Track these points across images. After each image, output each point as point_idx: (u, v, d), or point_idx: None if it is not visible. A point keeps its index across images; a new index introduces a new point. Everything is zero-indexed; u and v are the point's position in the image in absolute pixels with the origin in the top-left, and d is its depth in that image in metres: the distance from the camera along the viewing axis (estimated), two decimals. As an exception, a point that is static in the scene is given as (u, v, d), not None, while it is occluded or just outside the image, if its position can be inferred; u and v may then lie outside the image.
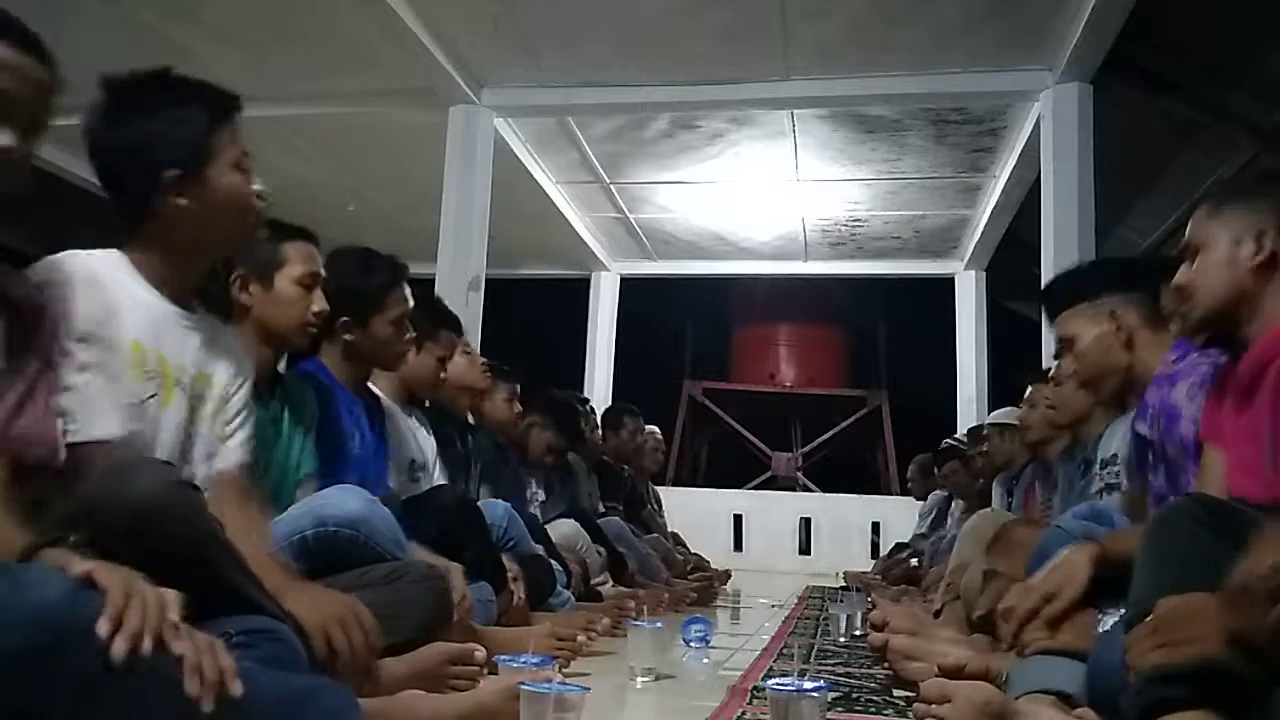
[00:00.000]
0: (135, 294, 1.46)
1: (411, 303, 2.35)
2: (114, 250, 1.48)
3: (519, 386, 3.50)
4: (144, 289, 1.48)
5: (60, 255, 1.40)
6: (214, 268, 1.64)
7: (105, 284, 1.42)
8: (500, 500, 2.84)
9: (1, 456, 1.18)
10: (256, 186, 1.55)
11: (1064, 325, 2.02)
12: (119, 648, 0.88)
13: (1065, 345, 2.02)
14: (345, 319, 2.19)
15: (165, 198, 1.47)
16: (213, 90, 1.55)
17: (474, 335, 3.64)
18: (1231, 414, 1.52)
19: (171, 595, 0.97)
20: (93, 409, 1.34)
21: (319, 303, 1.91)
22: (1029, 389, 3.32)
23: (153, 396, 1.45)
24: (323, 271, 1.95)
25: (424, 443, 2.70)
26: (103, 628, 0.88)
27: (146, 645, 0.90)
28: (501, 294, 4.91)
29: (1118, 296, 1.95)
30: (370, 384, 2.44)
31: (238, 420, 1.60)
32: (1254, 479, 1.40)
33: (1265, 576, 1.06)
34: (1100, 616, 1.58)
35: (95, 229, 1.51)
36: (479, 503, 2.68)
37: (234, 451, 1.59)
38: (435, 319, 2.70)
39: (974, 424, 5.84)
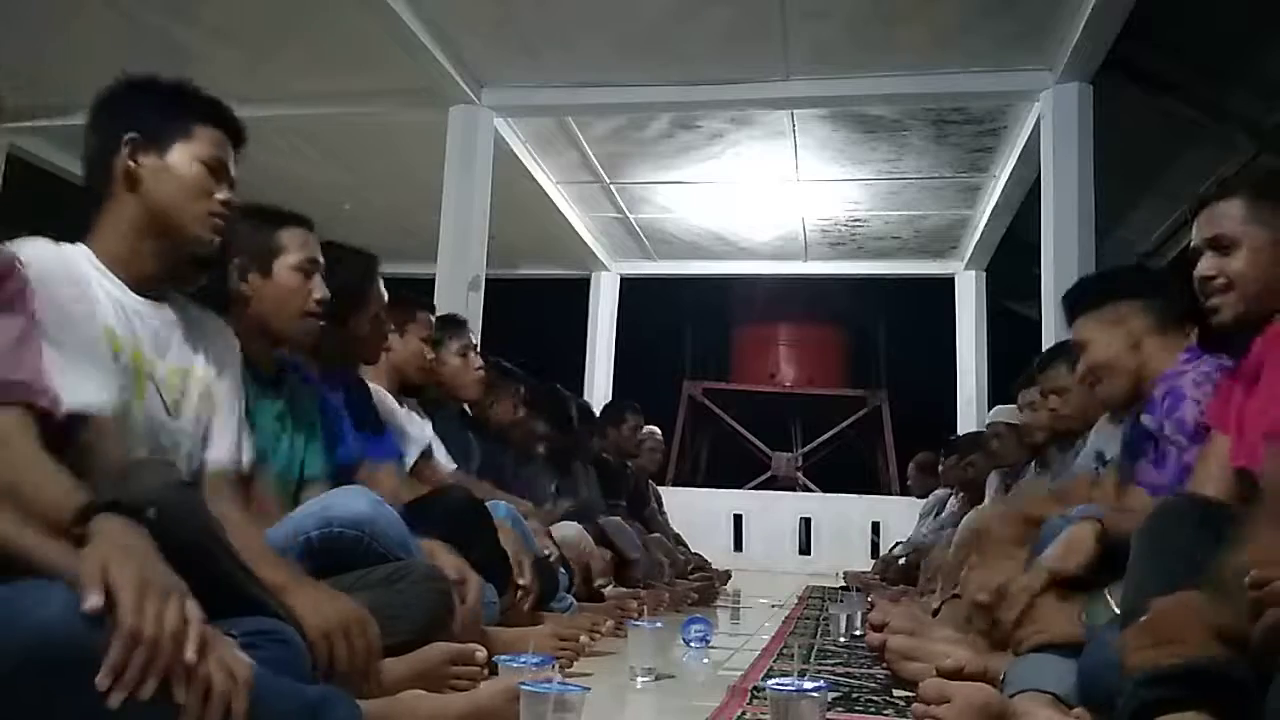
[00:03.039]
0: (104, 286, 1.45)
1: (386, 297, 2.34)
2: (79, 244, 1.48)
3: (522, 389, 3.51)
4: (111, 282, 1.47)
5: (27, 239, 1.38)
6: (208, 260, 1.59)
7: (78, 272, 1.42)
8: (501, 501, 2.84)
9: (17, 402, 1.15)
10: (222, 195, 1.55)
11: (1078, 331, 2.07)
12: (115, 699, 0.87)
13: (1079, 350, 2.08)
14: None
15: (120, 160, 1.48)
16: (216, 103, 1.58)
17: (474, 335, 3.66)
18: (1242, 398, 1.56)
19: (194, 619, 0.95)
20: (81, 376, 1.32)
21: (320, 289, 1.88)
22: (1020, 394, 3.34)
23: (127, 389, 1.43)
24: (321, 259, 1.91)
25: (418, 429, 2.70)
26: (102, 681, 0.87)
27: (148, 690, 0.89)
28: (501, 294, 4.91)
29: (1127, 302, 2.00)
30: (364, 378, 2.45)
31: (226, 411, 1.60)
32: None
33: (1243, 573, 1.06)
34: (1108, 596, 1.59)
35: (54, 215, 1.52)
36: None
37: (224, 444, 1.59)
38: (409, 301, 2.68)
39: (974, 424, 5.87)
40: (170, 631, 0.91)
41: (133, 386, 1.44)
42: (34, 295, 1.28)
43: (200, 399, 1.56)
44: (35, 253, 1.36)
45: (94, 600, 0.89)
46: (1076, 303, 2.12)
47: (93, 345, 1.38)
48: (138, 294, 1.49)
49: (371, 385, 2.48)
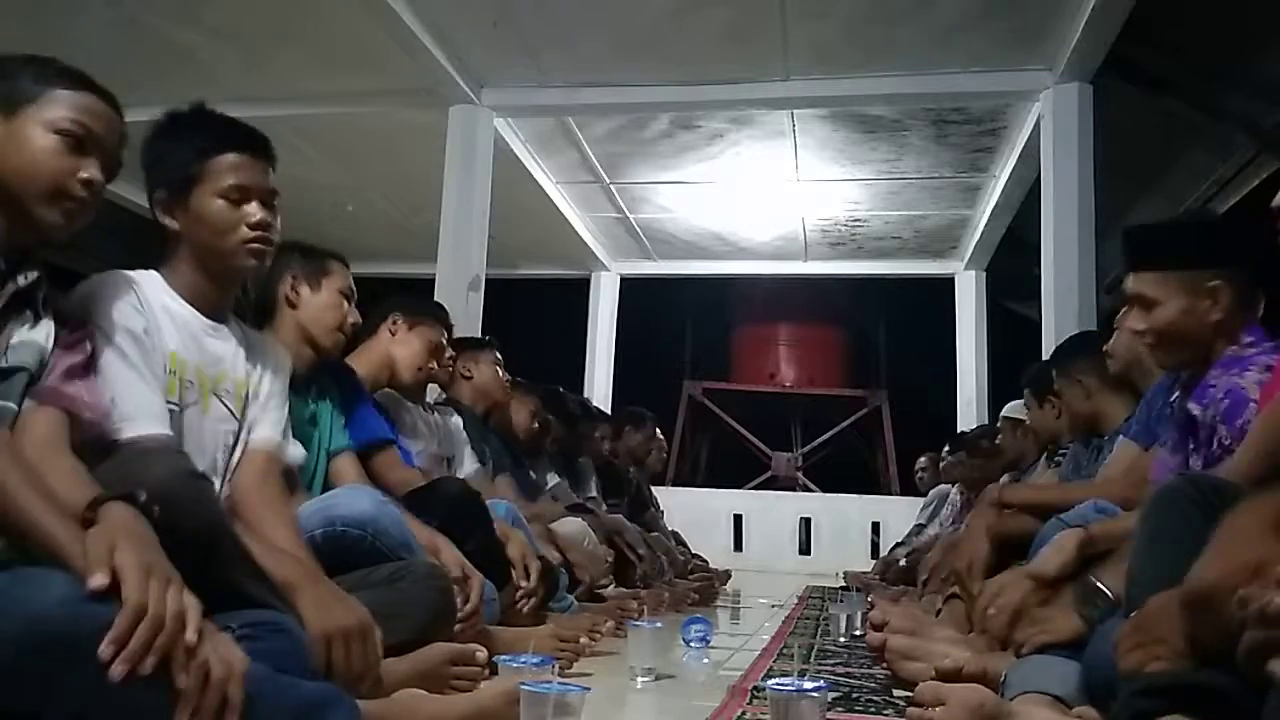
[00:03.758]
0: (171, 308, 1.57)
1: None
2: (152, 270, 1.60)
3: (540, 397, 3.66)
4: (179, 304, 1.59)
5: (104, 273, 1.51)
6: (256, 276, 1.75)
7: (147, 298, 1.52)
8: (504, 501, 2.84)
9: (55, 407, 1.24)
10: (253, 217, 1.61)
11: (1147, 284, 1.81)
12: (117, 671, 0.88)
13: (1141, 303, 1.81)
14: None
15: (161, 217, 1.62)
16: (227, 127, 1.65)
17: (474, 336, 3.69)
18: None
19: (192, 607, 0.97)
20: (145, 406, 1.43)
21: (354, 315, 2.17)
22: (1027, 393, 3.32)
23: (194, 404, 1.56)
24: (356, 293, 2.17)
25: (452, 436, 2.86)
26: (106, 651, 0.88)
27: (148, 667, 0.90)
28: (501, 294, 4.91)
29: (1218, 271, 1.73)
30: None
31: (274, 406, 1.72)
32: None
33: (1204, 589, 1.04)
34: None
35: (131, 244, 1.66)
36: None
37: (268, 424, 1.69)
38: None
39: (974, 424, 5.87)
40: (173, 611, 0.94)
41: (201, 399, 1.58)
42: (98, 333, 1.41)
43: (254, 404, 1.69)
44: (113, 281, 1.50)
45: (99, 580, 0.92)
46: (1153, 252, 1.84)
47: (158, 377, 1.50)
48: (208, 318, 1.63)
49: (392, 397, 2.61)
